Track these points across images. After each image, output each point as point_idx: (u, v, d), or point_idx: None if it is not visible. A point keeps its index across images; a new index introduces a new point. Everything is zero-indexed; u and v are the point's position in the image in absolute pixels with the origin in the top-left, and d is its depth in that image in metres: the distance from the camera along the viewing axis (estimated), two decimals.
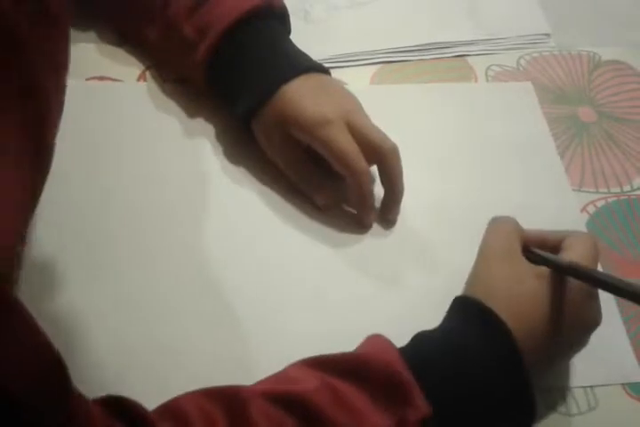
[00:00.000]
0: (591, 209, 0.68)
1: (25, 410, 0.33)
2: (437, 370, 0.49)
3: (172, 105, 0.70)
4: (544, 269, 0.53)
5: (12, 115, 0.35)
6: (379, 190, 0.65)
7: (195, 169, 0.66)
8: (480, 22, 0.81)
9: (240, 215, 0.64)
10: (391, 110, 0.72)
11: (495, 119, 0.74)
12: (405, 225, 0.65)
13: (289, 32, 0.70)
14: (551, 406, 0.56)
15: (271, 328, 0.58)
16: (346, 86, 0.73)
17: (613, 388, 0.58)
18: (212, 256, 0.61)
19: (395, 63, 0.77)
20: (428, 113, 0.74)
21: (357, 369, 0.49)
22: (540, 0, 0.85)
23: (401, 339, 0.52)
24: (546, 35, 0.82)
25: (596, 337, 0.54)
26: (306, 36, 0.72)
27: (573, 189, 0.69)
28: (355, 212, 0.64)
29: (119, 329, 0.56)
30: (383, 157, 0.61)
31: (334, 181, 0.64)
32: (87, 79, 0.70)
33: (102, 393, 0.43)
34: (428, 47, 0.78)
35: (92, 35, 0.74)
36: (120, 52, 0.73)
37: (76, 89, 0.43)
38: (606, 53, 0.81)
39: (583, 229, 0.66)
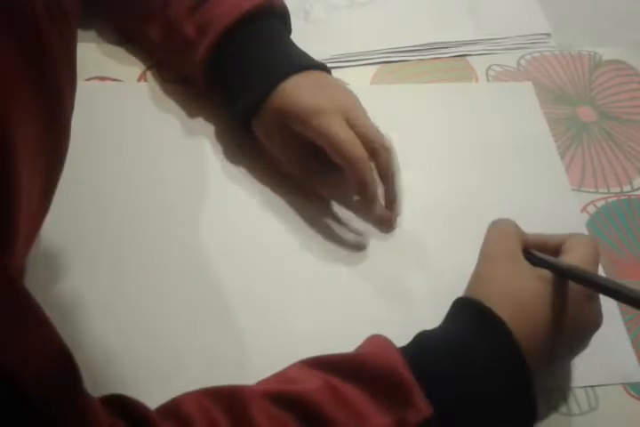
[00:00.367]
0: (591, 209, 0.68)
1: (34, 401, 0.33)
2: (438, 370, 0.49)
3: (172, 105, 0.70)
4: (545, 272, 0.53)
5: (33, 114, 0.35)
6: None
7: (195, 169, 0.66)
8: (480, 22, 0.81)
9: (240, 215, 0.64)
10: (391, 110, 0.72)
11: (495, 119, 0.74)
12: (405, 225, 0.65)
13: (289, 32, 0.70)
14: (552, 407, 0.56)
15: (272, 328, 0.58)
16: (346, 86, 0.73)
17: (614, 388, 0.58)
18: (212, 256, 0.61)
19: (395, 63, 0.77)
20: (429, 113, 0.74)
21: (358, 369, 0.49)
22: (541, 0, 0.85)
23: (401, 339, 0.52)
24: (546, 35, 0.82)
25: (596, 337, 0.54)
26: (306, 36, 0.72)
27: (573, 189, 0.69)
28: (352, 213, 0.65)
29: (118, 328, 0.56)
30: (377, 154, 0.61)
31: (337, 174, 0.64)
32: (87, 79, 0.70)
33: (101, 392, 0.43)
34: (428, 47, 0.78)
35: (92, 35, 0.74)
36: (120, 53, 0.73)
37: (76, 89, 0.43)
38: (607, 53, 0.81)
39: (583, 229, 0.66)
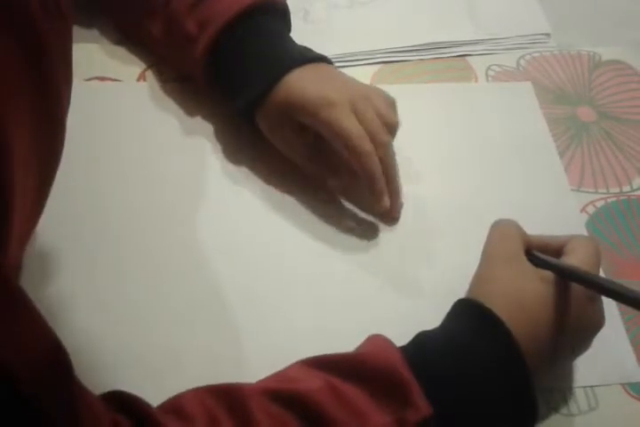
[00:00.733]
0: (591, 209, 0.68)
1: (28, 396, 0.33)
2: (438, 370, 0.49)
3: (172, 105, 0.70)
4: (547, 273, 0.53)
5: (29, 114, 0.35)
6: None
7: (195, 168, 0.66)
8: (480, 22, 0.81)
9: (240, 214, 0.64)
10: None
11: (495, 119, 0.74)
12: (404, 224, 0.65)
13: (289, 29, 0.70)
14: (552, 407, 0.56)
15: (271, 327, 0.58)
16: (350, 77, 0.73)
17: (614, 388, 0.58)
18: (211, 255, 0.61)
19: (395, 63, 0.77)
20: (428, 113, 0.74)
21: (358, 369, 0.49)
22: (540, 0, 0.85)
23: (402, 339, 0.52)
24: (546, 35, 0.82)
25: (596, 338, 0.54)
26: (306, 36, 0.72)
27: (572, 190, 0.69)
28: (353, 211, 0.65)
29: (116, 327, 0.56)
30: (378, 149, 0.61)
31: (341, 166, 0.64)
32: (87, 79, 0.70)
33: (99, 391, 0.43)
34: (428, 47, 0.78)
35: (92, 35, 0.74)
36: (120, 52, 0.73)
37: (75, 89, 0.43)
38: (606, 53, 0.81)
39: (583, 229, 0.66)
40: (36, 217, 0.43)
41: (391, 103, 0.65)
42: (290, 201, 0.65)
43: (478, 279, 0.55)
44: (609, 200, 0.69)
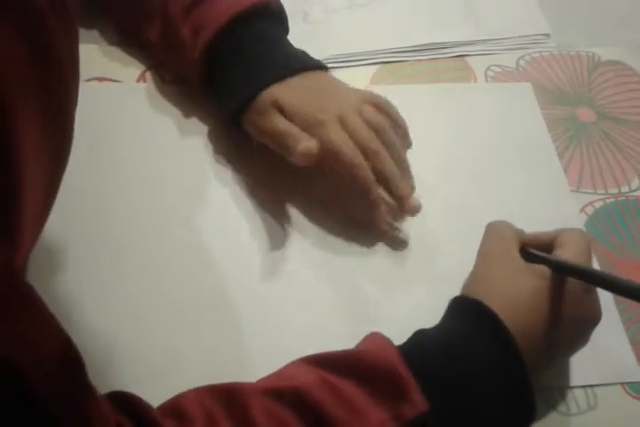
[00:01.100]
0: (589, 210, 0.68)
1: (39, 395, 0.33)
2: (435, 367, 0.49)
3: (171, 106, 0.70)
4: (543, 268, 0.53)
5: (38, 112, 0.35)
6: None
7: (194, 170, 0.67)
8: (479, 23, 0.81)
9: (238, 215, 0.64)
10: None
11: (494, 120, 0.74)
12: (404, 225, 0.65)
13: (287, 32, 0.70)
14: (551, 406, 0.56)
15: (273, 328, 0.58)
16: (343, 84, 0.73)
17: (613, 387, 0.58)
18: (211, 255, 0.61)
19: (394, 63, 0.77)
20: (427, 113, 0.74)
21: (355, 365, 0.49)
22: (540, 0, 0.85)
23: (401, 339, 0.52)
24: (545, 35, 0.82)
25: (595, 337, 0.55)
26: (304, 37, 0.72)
27: (571, 190, 0.69)
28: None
29: (117, 327, 0.57)
30: (369, 158, 0.61)
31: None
32: (87, 80, 0.70)
33: (100, 390, 0.44)
34: (427, 48, 0.78)
35: (92, 36, 0.74)
36: (120, 54, 0.73)
37: None
38: (606, 54, 0.81)
39: (582, 230, 0.66)
40: (44, 216, 0.43)
41: (383, 105, 0.65)
42: (289, 201, 0.65)
43: (473, 278, 0.56)
44: (607, 201, 0.69)
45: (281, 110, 0.62)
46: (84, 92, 0.68)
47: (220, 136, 0.68)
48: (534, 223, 0.58)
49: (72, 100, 0.40)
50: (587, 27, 0.84)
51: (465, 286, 0.56)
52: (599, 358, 0.59)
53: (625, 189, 0.70)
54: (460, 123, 0.73)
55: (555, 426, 0.56)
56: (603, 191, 0.70)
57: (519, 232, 0.57)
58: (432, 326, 0.53)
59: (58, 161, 0.41)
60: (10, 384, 0.33)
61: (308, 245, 0.63)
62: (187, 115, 0.70)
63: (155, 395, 0.47)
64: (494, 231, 0.57)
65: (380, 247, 0.63)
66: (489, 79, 0.77)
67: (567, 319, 0.52)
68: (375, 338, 0.52)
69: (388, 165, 0.62)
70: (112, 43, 0.74)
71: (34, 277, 0.57)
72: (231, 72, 0.65)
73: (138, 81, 0.72)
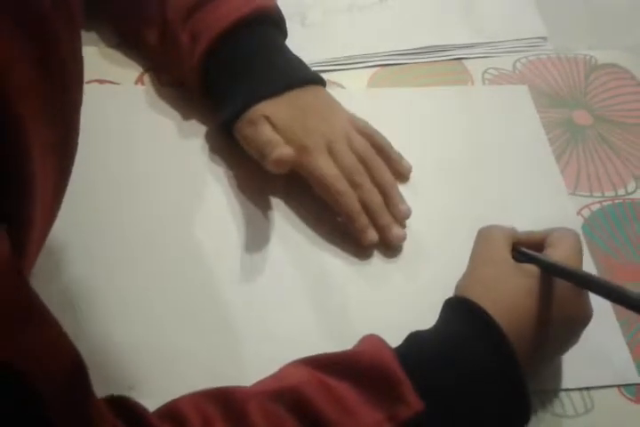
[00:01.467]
0: (586, 213, 0.68)
1: (45, 404, 0.34)
2: (430, 368, 0.50)
3: (170, 108, 0.70)
4: (532, 267, 0.54)
5: (44, 113, 0.35)
6: None
7: (191, 172, 0.67)
8: (477, 26, 0.81)
9: (236, 217, 0.64)
10: (388, 113, 0.72)
11: (491, 122, 0.74)
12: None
13: (285, 37, 0.70)
14: (547, 408, 0.57)
15: (271, 331, 0.58)
16: (343, 89, 0.73)
17: (609, 390, 0.58)
18: (213, 257, 0.61)
19: (392, 66, 0.77)
20: (425, 116, 0.74)
21: (351, 367, 0.50)
22: (537, 3, 0.85)
23: (395, 341, 0.52)
24: (542, 38, 0.82)
25: (592, 339, 0.55)
26: (303, 40, 0.73)
27: (568, 193, 0.69)
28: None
29: (114, 331, 0.57)
30: (355, 188, 0.62)
31: None
32: (86, 82, 0.70)
33: (98, 393, 0.44)
34: (424, 50, 0.79)
35: (91, 37, 0.74)
36: (118, 56, 0.73)
37: None
38: (602, 57, 0.81)
39: (579, 232, 0.66)
40: (52, 219, 0.43)
41: (374, 136, 0.66)
42: (287, 203, 0.65)
43: (465, 280, 0.56)
44: (604, 204, 0.69)
45: (271, 125, 0.63)
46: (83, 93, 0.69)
47: (217, 138, 0.68)
48: (531, 226, 0.58)
49: (77, 100, 0.41)
50: (584, 30, 0.84)
51: (457, 288, 0.56)
52: (596, 360, 0.59)
53: (621, 191, 0.70)
54: (456, 125, 0.73)
55: None
56: (599, 194, 0.70)
57: (511, 233, 0.57)
58: (427, 327, 0.54)
59: (65, 162, 0.41)
60: (18, 394, 0.33)
61: (304, 246, 0.63)
62: (185, 117, 0.70)
63: (154, 398, 0.47)
64: (484, 234, 0.58)
65: (378, 251, 0.63)
66: (486, 82, 0.77)
67: (556, 318, 0.52)
68: (371, 340, 0.52)
69: (372, 196, 0.63)
70: (111, 45, 0.74)
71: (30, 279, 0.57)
72: (227, 82, 0.65)
73: (136, 83, 0.72)
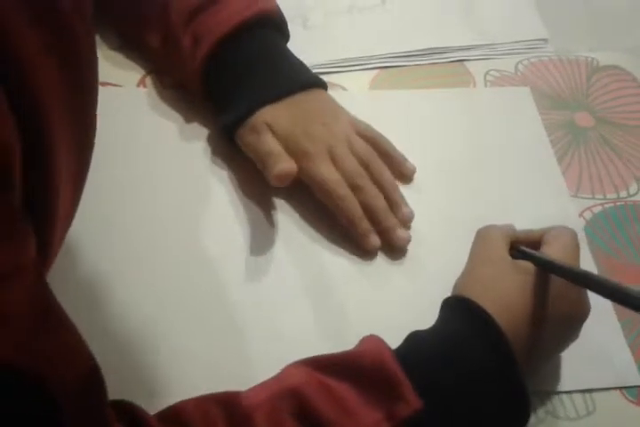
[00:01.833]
0: (588, 215, 0.68)
1: (62, 412, 0.34)
2: (428, 368, 0.50)
3: (171, 111, 0.70)
4: (527, 264, 0.54)
5: (66, 115, 0.36)
6: None
7: (193, 174, 0.67)
8: (478, 27, 0.81)
9: (238, 219, 0.64)
10: (389, 115, 0.72)
11: (493, 124, 0.74)
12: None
13: (287, 39, 0.70)
14: (549, 411, 0.56)
15: (275, 330, 0.58)
16: (344, 91, 0.73)
17: (611, 392, 0.58)
18: (214, 259, 0.61)
19: (393, 68, 0.77)
20: (426, 118, 0.74)
21: (350, 367, 0.50)
22: (538, 5, 0.85)
23: (396, 341, 0.52)
24: (544, 40, 0.82)
25: (593, 340, 0.55)
26: (304, 42, 0.73)
27: (570, 195, 0.69)
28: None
29: (116, 331, 0.57)
30: (356, 192, 0.63)
31: None
32: None
33: None
34: (426, 52, 0.79)
35: None
36: (120, 58, 0.73)
37: None
38: (604, 59, 0.81)
39: (582, 234, 0.66)
40: (71, 219, 0.43)
41: (376, 139, 0.66)
42: (288, 204, 0.65)
43: (463, 279, 0.57)
44: (606, 206, 0.69)
45: (272, 132, 0.63)
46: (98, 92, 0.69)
47: (219, 141, 0.68)
48: (532, 228, 0.58)
49: (94, 98, 0.41)
50: (585, 32, 0.84)
51: (455, 287, 0.57)
52: (598, 361, 0.59)
53: (623, 194, 0.70)
54: (458, 127, 0.73)
55: None
56: (601, 196, 0.70)
57: (509, 232, 0.58)
58: (427, 327, 0.54)
59: (83, 161, 0.41)
60: (33, 398, 0.33)
61: (308, 247, 0.63)
62: (186, 119, 0.70)
63: (155, 402, 0.47)
64: (483, 233, 0.58)
65: (380, 252, 0.63)
66: (488, 84, 0.77)
67: (553, 314, 0.53)
68: (371, 340, 0.52)
69: (374, 199, 0.63)
70: (113, 47, 0.74)
71: None
72: (229, 85, 0.65)
73: (138, 85, 0.72)
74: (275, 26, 0.68)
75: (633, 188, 0.71)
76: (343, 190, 0.62)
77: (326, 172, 0.62)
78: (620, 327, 0.61)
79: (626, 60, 0.81)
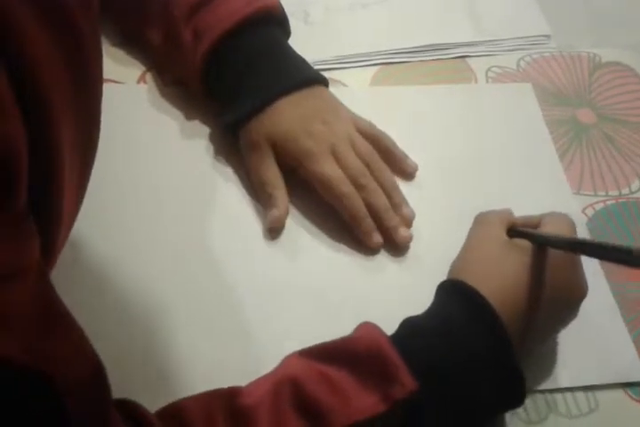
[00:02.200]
0: (590, 212, 0.68)
1: (67, 411, 0.34)
2: (424, 350, 0.50)
3: (172, 107, 0.70)
4: (524, 243, 0.54)
5: (71, 108, 0.36)
6: None
7: (194, 171, 0.67)
8: (480, 24, 0.81)
9: (239, 217, 0.64)
10: (391, 112, 0.72)
11: (494, 121, 0.74)
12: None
13: (288, 36, 0.70)
14: (552, 408, 0.57)
15: (275, 330, 0.58)
16: (346, 88, 0.73)
17: (614, 390, 0.58)
18: (215, 258, 0.61)
19: (394, 64, 0.77)
20: (428, 114, 0.74)
21: (346, 353, 0.50)
22: (540, 1, 0.85)
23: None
24: (546, 36, 0.82)
25: (597, 337, 0.55)
26: (305, 38, 0.72)
27: (572, 192, 0.69)
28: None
29: (119, 331, 0.57)
30: (360, 190, 0.62)
31: None
32: None
33: None
34: (428, 49, 0.78)
35: None
36: (120, 54, 0.73)
37: None
38: (606, 55, 0.81)
39: (584, 229, 0.66)
40: (74, 218, 0.43)
41: (378, 136, 0.66)
42: (295, 202, 0.65)
43: (458, 262, 0.57)
44: (608, 203, 0.69)
45: (273, 141, 0.63)
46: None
47: (221, 137, 0.68)
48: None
49: (99, 94, 0.41)
50: (587, 28, 0.83)
51: (450, 271, 0.57)
52: (601, 358, 0.59)
53: (625, 190, 0.70)
54: (460, 124, 0.73)
55: None
56: (603, 193, 0.70)
57: (507, 216, 0.58)
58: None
59: (87, 158, 0.41)
60: (40, 397, 0.33)
61: (308, 246, 0.63)
62: (187, 116, 0.69)
63: (156, 399, 0.47)
64: (480, 218, 0.59)
65: (382, 249, 0.63)
66: (490, 80, 0.77)
67: (549, 295, 0.53)
68: (365, 326, 0.53)
69: (377, 198, 0.63)
70: (113, 43, 0.73)
71: None
72: (230, 82, 0.65)
73: (138, 82, 0.71)
74: (276, 22, 0.68)
75: (635, 184, 0.71)
76: (347, 188, 0.62)
77: (330, 170, 0.62)
78: (625, 324, 0.61)
79: (628, 57, 0.81)
